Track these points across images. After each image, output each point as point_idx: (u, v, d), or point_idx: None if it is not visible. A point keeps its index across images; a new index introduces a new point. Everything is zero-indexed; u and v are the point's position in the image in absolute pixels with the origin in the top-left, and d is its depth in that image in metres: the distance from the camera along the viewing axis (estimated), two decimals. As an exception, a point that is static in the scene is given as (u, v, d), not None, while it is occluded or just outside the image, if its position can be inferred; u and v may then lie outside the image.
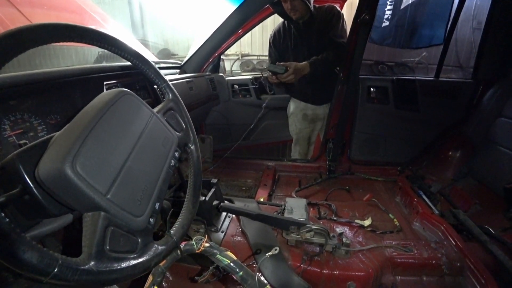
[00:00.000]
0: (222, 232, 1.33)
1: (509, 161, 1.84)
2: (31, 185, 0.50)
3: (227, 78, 2.58)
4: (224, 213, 1.43)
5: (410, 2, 3.02)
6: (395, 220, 1.83)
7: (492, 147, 1.99)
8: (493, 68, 2.16)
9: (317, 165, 2.54)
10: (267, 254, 0.97)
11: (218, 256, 0.78)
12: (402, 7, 3.09)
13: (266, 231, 1.33)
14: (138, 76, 1.39)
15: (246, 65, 4.78)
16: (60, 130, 0.55)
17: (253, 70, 4.78)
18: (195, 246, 0.78)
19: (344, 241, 1.33)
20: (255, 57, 4.87)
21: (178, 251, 0.70)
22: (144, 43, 4.56)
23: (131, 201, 0.53)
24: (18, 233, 0.38)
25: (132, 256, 0.51)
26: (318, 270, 1.25)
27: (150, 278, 0.75)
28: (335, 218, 1.73)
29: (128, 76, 1.31)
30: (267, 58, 4.81)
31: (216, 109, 2.46)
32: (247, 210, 1.29)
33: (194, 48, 2.26)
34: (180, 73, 2.01)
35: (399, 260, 1.39)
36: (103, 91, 1.14)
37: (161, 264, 0.74)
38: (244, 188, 2.39)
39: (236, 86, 2.59)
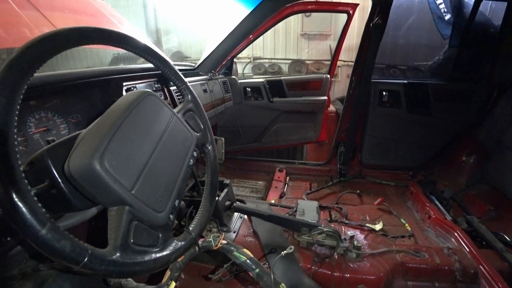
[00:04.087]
0: (234, 232, 1.35)
1: None
2: (59, 180, 0.53)
3: (239, 81, 2.60)
4: (236, 214, 1.44)
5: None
6: (406, 225, 1.82)
7: (507, 153, 1.96)
8: (508, 72, 2.12)
9: (328, 168, 2.54)
10: (282, 252, 0.98)
11: (235, 253, 0.80)
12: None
13: (277, 232, 1.34)
14: (155, 78, 1.43)
15: (258, 68, 4.82)
16: (84, 128, 0.58)
17: (265, 73, 4.81)
18: (213, 243, 0.80)
19: (355, 244, 1.33)
20: (267, 60, 4.90)
21: (196, 248, 0.73)
22: (158, 45, 4.65)
23: (153, 197, 0.55)
24: (53, 223, 0.40)
25: (154, 250, 0.53)
26: (329, 272, 1.25)
27: (168, 273, 0.78)
28: (346, 222, 1.73)
29: (146, 77, 1.35)
30: (278, 61, 4.88)
31: (228, 111, 2.49)
32: (259, 211, 1.31)
33: (207, 51, 2.30)
34: (193, 76, 2.05)
35: (410, 265, 1.38)
36: (122, 91, 1.18)
37: (178, 259, 0.77)
38: (255, 189, 2.40)
39: (248, 89, 2.62)
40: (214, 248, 0.80)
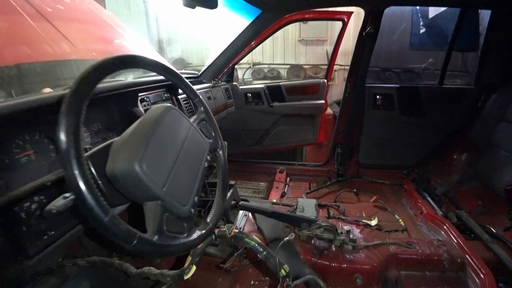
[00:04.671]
0: (240, 229, 1.47)
1: (510, 163, 1.92)
2: (99, 181, 0.65)
3: (240, 87, 2.73)
4: (241, 212, 1.57)
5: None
6: (400, 220, 1.93)
7: (495, 151, 2.08)
8: (495, 74, 2.25)
9: (326, 169, 2.66)
10: (285, 238, 1.11)
11: (246, 239, 0.93)
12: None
13: (280, 228, 1.46)
14: (164, 88, 1.56)
15: (257, 73, 4.97)
16: (103, 135, 0.70)
17: (264, 78, 4.95)
18: (227, 232, 0.92)
19: (351, 237, 1.45)
20: (266, 66, 5.05)
21: (213, 236, 0.85)
22: (161, 53, 4.79)
23: (179, 193, 0.68)
24: (112, 213, 0.53)
25: (182, 236, 0.66)
26: (328, 263, 1.37)
27: (189, 258, 0.90)
28: (343, 218, 1.85)
29: (157, 88, 1.48)
30: (277, 66, 5.02)
31: (231, 116, 2.61)
32: (263, 208, 1.43)
33: (209, 59, 2.42)
34: (197, 83, 2.17)
35: (403, 256, 1.50)
36: (137, 102, 1.30)
37: (198, 246, 0.89)
38: (257, 190, 2.53)
39: (249, 95, 2.74)
40: (228, 236, 0.93)
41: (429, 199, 2.13)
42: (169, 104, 0.78)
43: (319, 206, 2.04)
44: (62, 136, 0.49)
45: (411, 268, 1.50)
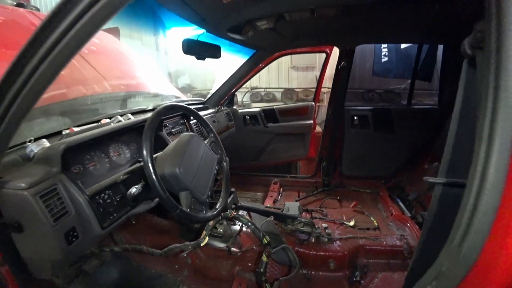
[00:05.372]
0: (238, 225, 1.86)
1: None
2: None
3: (240, 111, 3.15)
4: (240, 213, 1.96)
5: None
6: (374, 221, 2.30)
7: None
8: (452, 97, 2.65)
9: (314, 180, 3.05)
10: (266, 218, 1.51)
11: (241, 218, 1.34)
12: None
13: (270, 224, 1.85)
14: (180, 115, 2.00)
15: (255, 96, 5.50)
16: (137, 153, 1.15)
17: (261, 100, 5.45)
18: (229, 214, 1.33)
19: (327, 232, 1.84)
20: (263, 89, 5.57)
21: (220, 217, 1.26)
22: (169, 79, 5.30)
23: (200, 187, 1.09)
24: (168, 193, 0.94)
25: (202, 213, 1.07)
26: (307, 251, 1.75)
27: (204, 232, 1.31)
28: (323, 218, 2.22)
29: (175, 116, 1.92)
30: (272, 90, 5.52)
31: (232, 135, 3.00)
32: (257, 208, 1.83)
33: (214, 88, 2.87)
34: (204, 110, 2.61)
35: (370, 247, 1.86)
36: (162, 127, 1.73)
37: (210, 223, 1.30)
38: (254, 199, 2.90)
39: (247, 117, 3.15)
40: (230, 216, 1.34)
41: (400, 203, 2.50)
42: (193, 133, 1.21)
43: (306, 211, 2.41)
44: (144, 153, 0.92)
45: (377, 257, 1.85)
